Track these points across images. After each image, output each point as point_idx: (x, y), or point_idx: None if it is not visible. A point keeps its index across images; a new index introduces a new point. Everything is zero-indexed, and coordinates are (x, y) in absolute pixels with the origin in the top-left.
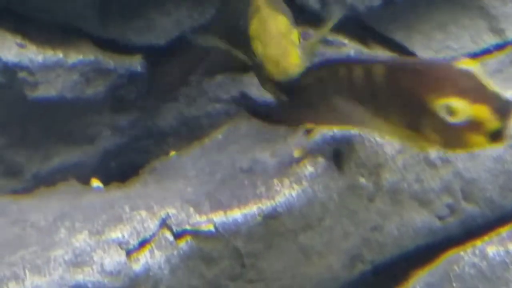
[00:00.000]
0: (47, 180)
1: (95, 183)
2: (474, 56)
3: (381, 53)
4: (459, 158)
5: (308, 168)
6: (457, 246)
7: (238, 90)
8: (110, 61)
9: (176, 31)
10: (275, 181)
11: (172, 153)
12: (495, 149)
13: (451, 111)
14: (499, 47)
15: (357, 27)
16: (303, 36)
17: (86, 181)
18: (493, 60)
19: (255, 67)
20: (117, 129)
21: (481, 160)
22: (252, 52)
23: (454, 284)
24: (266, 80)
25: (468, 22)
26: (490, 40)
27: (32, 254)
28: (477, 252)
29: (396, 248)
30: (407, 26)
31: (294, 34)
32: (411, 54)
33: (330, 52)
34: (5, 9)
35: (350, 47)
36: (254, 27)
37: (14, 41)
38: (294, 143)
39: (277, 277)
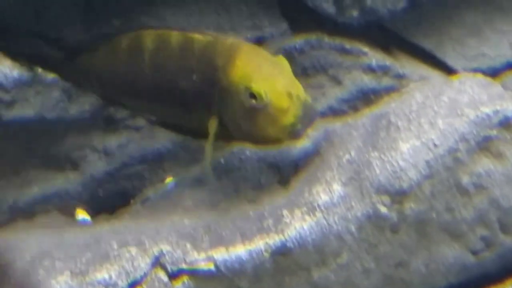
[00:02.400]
0: (25, 212)
1: (81, 214)
2: None
3: (408, 64)
4: (495, 183)
5: (322, 197)
6: (495, 284)
7: None
8: None
9: None
10: (285, 212)
11: (168, 179)
12: None
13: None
14: None
15: (380, 33)
16: None
17: (70, 213)
18: None
19: (245, 115)
20: (106, 153)
21: None
22: (231, 102)
23: None
24: (262, 129)
25: (506, 26)
26: None
27: None
28: None
29: (424, 287)
30: (436, 31)
31: (285, 62)
32: (442, 64)
33: (348, 62)
34: None
35: (371, 56)
36: (241, 68)
37: None
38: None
39: None
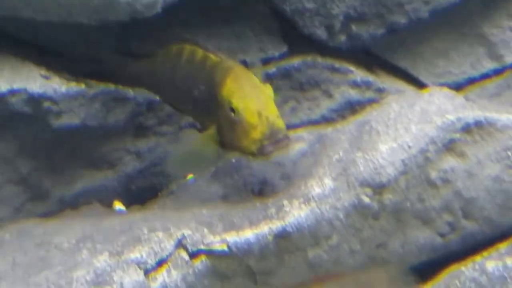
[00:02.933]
0: (71, 204)
1: (118, 205)
2: (474, 80)
3: (387, 80)
4: (459, 178)
5: (316, 189)
6: (458, 261)
7: None
8: (129, 90)
9: None
10: (285, 202)
11: (189, 176)
12: (494, 169)
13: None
14: (498, 72)
15: (364, 55)
16: None
17: (109, 204)
18: (492, 84)
19: (228, 126)
20: (137, 155)
21: (480, 179)
22: (221, 113)
23: None
24: (239, 139)
25: (468, 49)
26: (489, 65)
27: (55, 274)
28: (477, 267)
29: (400, 264)
30: (411, 53)
31: (269, 88)
32: (415, 80)
33: (337, 79)
34: (31, 42)
35: (356, 74)
36: (229, 86)
37: (39, 73)
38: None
39: None
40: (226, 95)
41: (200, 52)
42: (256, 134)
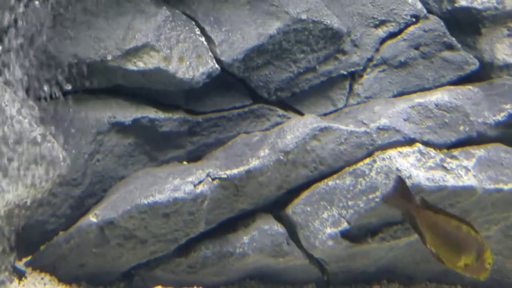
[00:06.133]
0: (166, 163)
1: (185, 163)
2: (326, 114)
3: (291, 114)
4: (317, 149)
5: (261, 153)
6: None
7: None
8: (189, 117)
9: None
10: (250, 159)
11: (213, 152)
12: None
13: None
14: (335, 111)
15: (282, 103)
16: None
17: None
18: (338, 114)
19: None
20: (192, 143)
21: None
22: (472, 261)
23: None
24: (462, 269)
25: (324, 101)
26: (330, 108)
27: (158, 186)
28: None
29: None
30: (301, 103)
31: (488, 249)
32: (303, 114)
33: (272, 115)
34: (147, 96)
35: (279, 111)
36: (489, 253)
37: (153, 110)
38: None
39: (255, 195)
40: (486, 257)
41: (464, 227)
42: (485, 274)
